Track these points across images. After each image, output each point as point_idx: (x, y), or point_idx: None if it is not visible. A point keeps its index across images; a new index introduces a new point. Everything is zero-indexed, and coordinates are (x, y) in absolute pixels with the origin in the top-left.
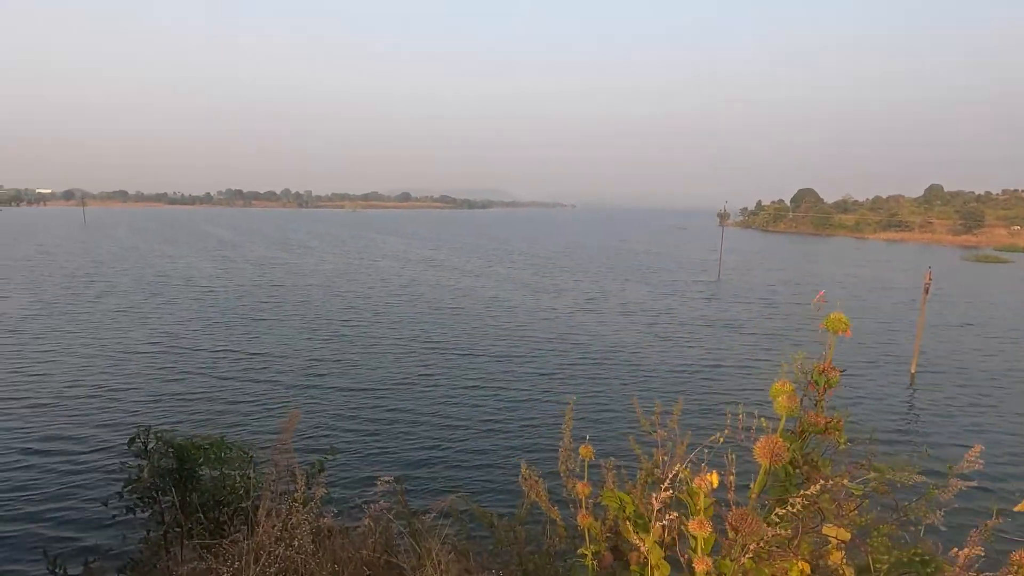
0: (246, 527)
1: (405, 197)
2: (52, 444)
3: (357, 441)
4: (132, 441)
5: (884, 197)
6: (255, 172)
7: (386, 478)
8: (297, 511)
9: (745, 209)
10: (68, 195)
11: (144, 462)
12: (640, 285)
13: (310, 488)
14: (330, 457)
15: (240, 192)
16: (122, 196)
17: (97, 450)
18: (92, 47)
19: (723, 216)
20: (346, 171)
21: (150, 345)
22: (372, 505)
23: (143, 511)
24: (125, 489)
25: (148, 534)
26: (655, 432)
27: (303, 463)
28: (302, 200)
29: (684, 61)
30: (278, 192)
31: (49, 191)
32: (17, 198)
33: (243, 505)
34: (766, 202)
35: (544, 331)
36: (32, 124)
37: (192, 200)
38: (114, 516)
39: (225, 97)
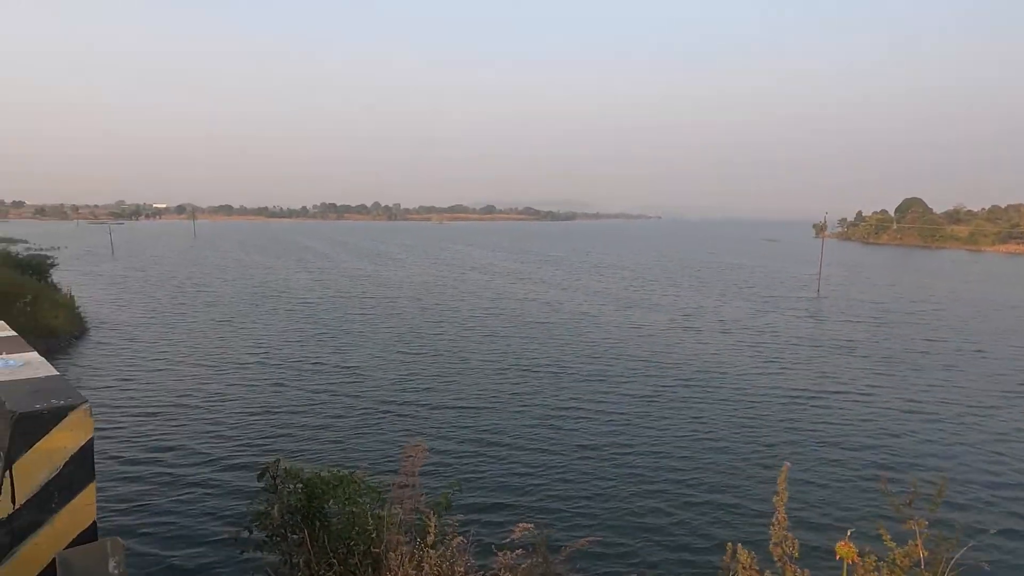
0: (375, 572)
1: (490, 209)
2: (163, 455)
3: (457, 464)
4: (262, 475)
5: (1003, 207)
6: (348, 186)
7: (524, 526)
8: (429, 557)
9: (844, 220)
10: (180, 209)
11: (273, 496)
12: (736, 300)
13: (438, 527)
14: (455, 490)
15: (334, 206)
16: (227, 210)
17: (203, 463)
18: (201, 75)
19: (820, 227)
20: (433, 185)
21: (251, 357)
22: (505, 553)
23: (271, 550)
24: (254, 524)
25: (274, 573)
26: (912, 520)
27: (426, 493)
28: (391, 213)
29: (770, 67)
30: (369, 205)
31: (164, 205)
32: (137, 212)
33: (375, 550)
34: (867, 212)
35: (639, 348)
36: (150, 144)
37: (290, 213)
38: (242, 553)
39: (320, 114)
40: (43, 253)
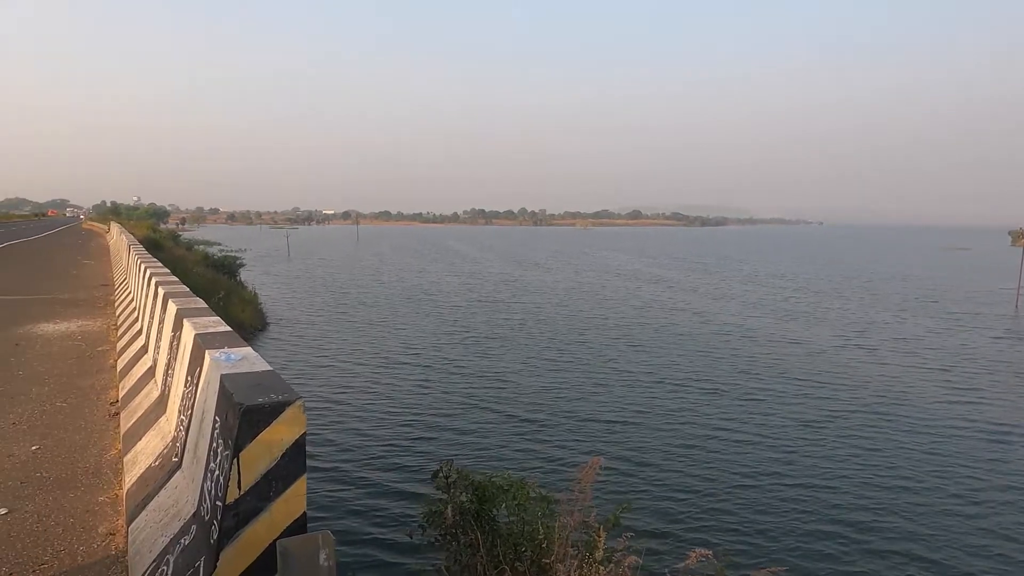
0: None
1: (636, 215)
2: (328, 449)
3: (615, 480)
4: (436, 474)
5: None
6: (495, 192)
7: (702, 551)
8: (598, 572)
9: None
10: (346, 215)
11: (445, 497)
12: (917, 317)
13: (608, 543)
14: (623, 510)
15: (482, 211)
16: (386, 215)
17: (367, 460)
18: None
19: (1019, 235)
20: (577, 190)
21: (406, 356)
22: None
23: (441, 550)
24: (427, 523)
25: (446, 572)
26: None
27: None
28: (537, 218)
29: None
30: (515, 211)
31: (332, 212)
32: (309, 218)
33: (544, 560)
34: None
35: (806, 368)
36: (321, 155)
37: (441, 219)
38: (418, 548)
39: (470, 123)
40: (233, 254)
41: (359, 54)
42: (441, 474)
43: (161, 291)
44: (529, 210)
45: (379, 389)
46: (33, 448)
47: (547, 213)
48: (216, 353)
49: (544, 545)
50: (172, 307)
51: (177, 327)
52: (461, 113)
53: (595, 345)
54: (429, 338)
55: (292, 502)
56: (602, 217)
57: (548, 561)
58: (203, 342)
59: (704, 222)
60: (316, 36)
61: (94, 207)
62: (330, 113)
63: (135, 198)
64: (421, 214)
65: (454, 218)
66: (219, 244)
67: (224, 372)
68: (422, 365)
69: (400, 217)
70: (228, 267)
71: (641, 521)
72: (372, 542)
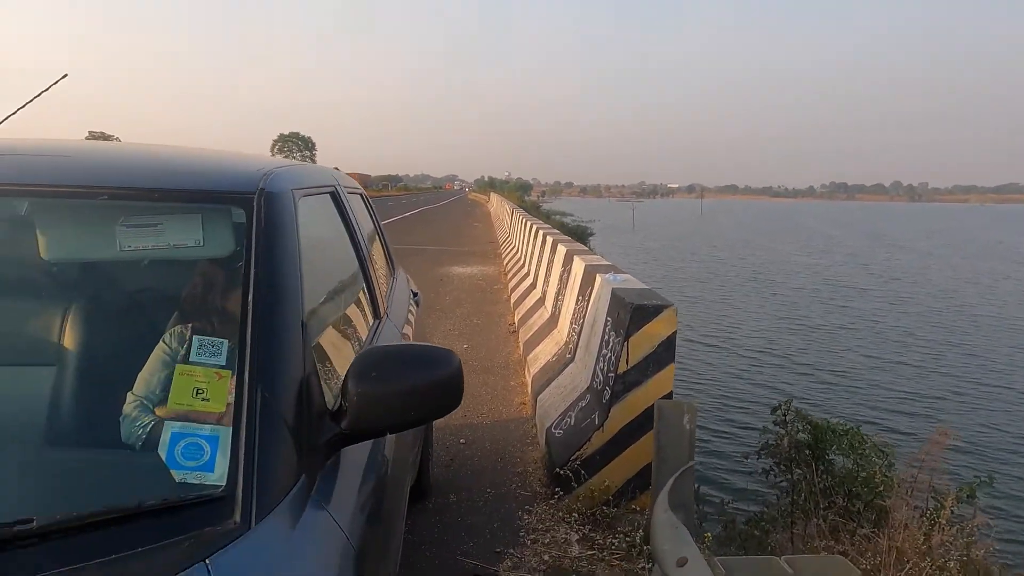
0: (875, 526)
1: None
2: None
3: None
4: (775, 410)
5: None
6: (859, 162)
7: None
8: (943, 530)
9: None
10: (690, 188)
11: (783, 431)
12: None
13: (956, 511)
14: (984, 484)
15: (844, 185)
16: (732, 189)
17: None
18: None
19: None
20: (971, 157)
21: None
22: None
23: (775, 476)
24: (762, 451)
25: (777, 500)
26: None
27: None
28: (914, 193)
29: None
30: (887, 185)
31: (676, 185)
32: (654, 191)
33: (879, 502)
34: None
35: None
36: (662, 128)
37: (794, 193)
38: (750, 473)
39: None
40: (584, 224)
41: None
42: (780, 411)
43: (549, 239)
44: (905, 183)
45: (730, 336)
46: (464, 347)
47: (929, 187)
48: (605, 275)
49: (880, 490)
50: (562, 249)
51: (567, 263)
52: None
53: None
54: (786, 309)
55: (663, 381)
56: (1007, 192)
57: (885, 503)
58: (592, 270)
59: None
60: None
61: (475, 181)
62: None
63: (506, 173)
64: (771, 187)
65: (808, 192)
66: (571, 215)
67: (614, 287)
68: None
69: (747, 191)
70: (580, 235)
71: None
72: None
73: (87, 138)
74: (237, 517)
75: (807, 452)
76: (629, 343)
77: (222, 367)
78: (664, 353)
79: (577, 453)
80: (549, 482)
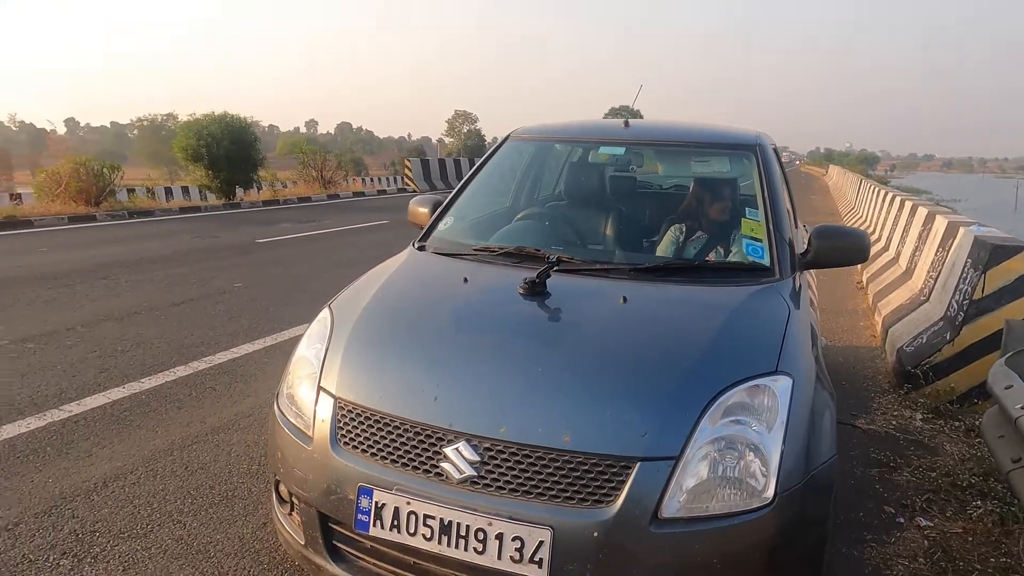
0: None
1: None
2: None
3: None
4: None
5: None
6: None
7: None
8: None
9: None
10: None
11: None
12: None
13: None
14: None
15: None
16: None
17: None
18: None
19: None
20: None
21: None
22: None
23: None
24: None
25: None
26: None
27: None
28: None
29: None
30: None
31: None
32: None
33: None
34: None
35: None
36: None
37: None
38: None
39: None
40: (944, 204)
41: None
42: None
43: (908, 203)
44: None
45: None
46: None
47: None
48: (969, 227)
49: None
50: (922, 210)
51: (928, 222)
52: None
53: None
54: None
55: (1016, 309)
56: None
57: None
58: (955, 224)
59: None
60: None
61: (808, 153)
62: None
63: (847, 144)
64: None
65: None
66: (927, 192)
67: (976, 235)
68: None
69: None
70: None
71: None
72: None
73: (606, 115)
74: (776, 274)
75: None
76: (986, 276)
77: (758, 222)
78: (1019, 286)
79: (927, 360)
80: (898, 383)
